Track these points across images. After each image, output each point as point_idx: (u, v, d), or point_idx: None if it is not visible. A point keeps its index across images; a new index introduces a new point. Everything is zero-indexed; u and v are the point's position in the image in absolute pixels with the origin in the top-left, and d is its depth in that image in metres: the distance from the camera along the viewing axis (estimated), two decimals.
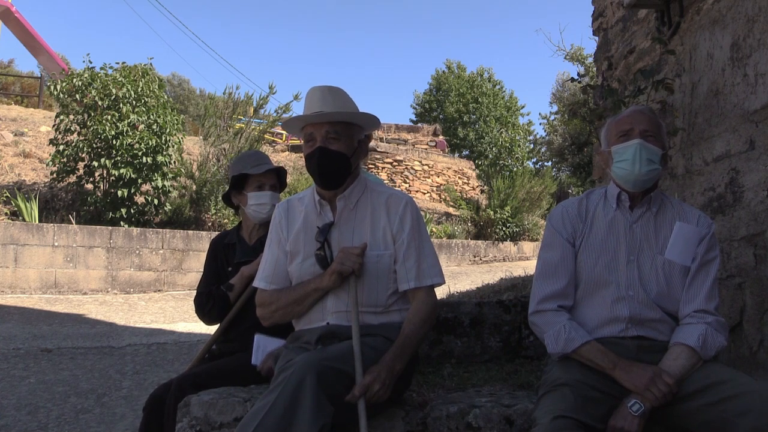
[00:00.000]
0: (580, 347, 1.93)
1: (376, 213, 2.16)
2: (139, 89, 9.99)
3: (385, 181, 15.73)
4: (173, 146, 10.24)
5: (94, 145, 9.63)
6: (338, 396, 1.81)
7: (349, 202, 2.17)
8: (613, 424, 1.79)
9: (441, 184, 17.64)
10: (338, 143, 2.10)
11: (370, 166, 16.83)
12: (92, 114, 9.65)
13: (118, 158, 9.44)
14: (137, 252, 9.20)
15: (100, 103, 9.64)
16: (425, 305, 2.10)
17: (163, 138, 9.90)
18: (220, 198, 9.64)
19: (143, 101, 9.99)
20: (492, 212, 14.43)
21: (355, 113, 2.13)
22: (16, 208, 9.31)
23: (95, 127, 9.45)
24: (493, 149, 24.54)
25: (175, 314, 7.49)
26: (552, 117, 26.76)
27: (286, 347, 2.14)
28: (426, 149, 19.31)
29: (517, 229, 14.60)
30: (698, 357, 1.88)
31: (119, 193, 9.50)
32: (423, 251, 2.14)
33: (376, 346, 1.99)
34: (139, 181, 9.66)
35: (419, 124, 24.99)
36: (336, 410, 1.79)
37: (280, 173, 2.81)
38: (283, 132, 17.48)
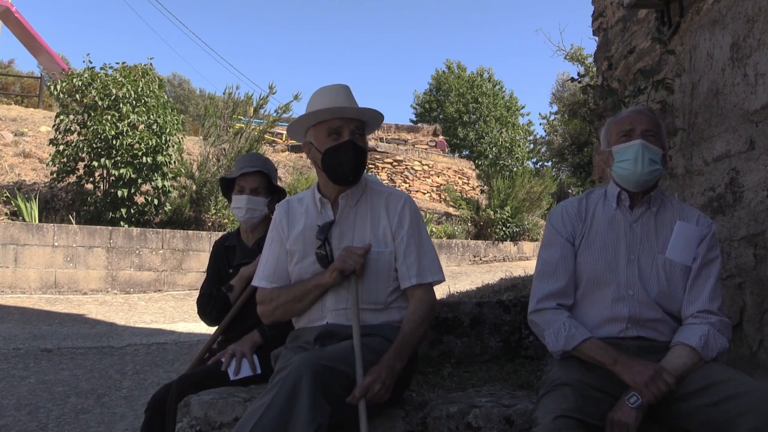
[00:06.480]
0: (581, 344, 1.93)
1: (375, 211, 2.17)
2: (139, 89, 9.99)
3: (385, 181, 15.73)
4: (173, 146, 10.24)
5: (94, 145, 9.62)
6: (336, 395, 1.81)
7: (351, 200, 2.19)
8: (611, 417, 1.80)
9: (441, 184, 17.63)
10: (362, 139, 2.16)
11: (370, 166, 16.83)
12: (92, 114, 9.65)
13: (118, 158, 9.44)
14: (137, 252, 9.20)
15: (100, 103, 9.64)
16: (423, 303, 2.10)
17: (163, 138, 9.90)
18: (221, 197, 9.70)
19: (143, 101, 9.99)
20: (492, 212, 14.43)
21: (379, 113, 2.17)
22: (16, 208, 9.31)
23: (95, 127, 9.45)
24: (493, 149, 24.54)
25: (175, 314, 7.49)
26: (552, 117, 26.83)
27: (286, 347, 2.14)
28: (426, 149, 19.29)
29: (517, 229, 14.60)
30: (699, 357, 1.88)
31: (119, 193, 9.50)
32: (423, 248, 2.15)
33: (374, 346, 1.99)
34: (139, 181, 9.66)
35: (419, 124, 24.96)
36: (334, 410, 1.79)
37: (270, 177, 2.77)
38: (283, 132, 17.47)
